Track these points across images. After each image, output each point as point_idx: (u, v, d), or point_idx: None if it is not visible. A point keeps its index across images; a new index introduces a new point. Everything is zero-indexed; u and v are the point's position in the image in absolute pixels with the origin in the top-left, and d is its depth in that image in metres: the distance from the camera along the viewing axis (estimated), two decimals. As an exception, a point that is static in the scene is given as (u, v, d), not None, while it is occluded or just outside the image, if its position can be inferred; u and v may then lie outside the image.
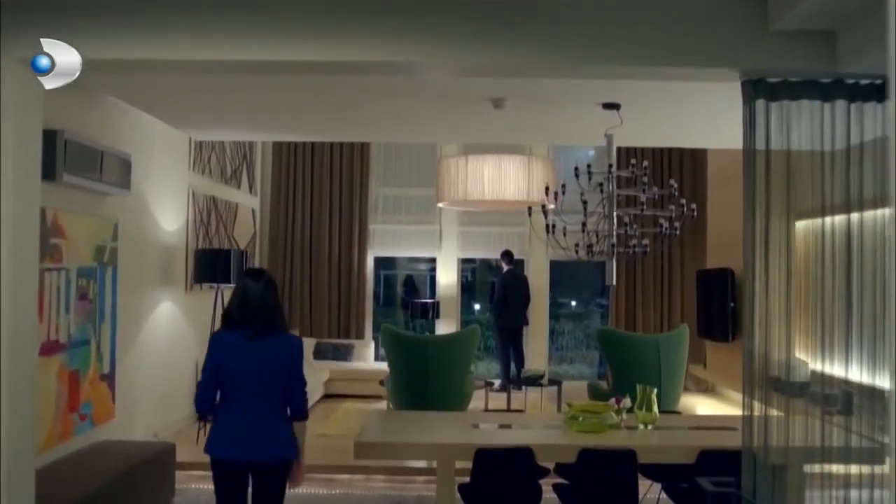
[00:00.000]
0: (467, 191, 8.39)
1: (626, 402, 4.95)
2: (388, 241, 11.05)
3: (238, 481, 3.63)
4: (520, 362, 10.25)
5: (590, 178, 4.69)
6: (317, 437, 7.55)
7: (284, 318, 3.76)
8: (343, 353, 10.28)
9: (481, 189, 8.34)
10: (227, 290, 7.30)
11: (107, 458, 5.34)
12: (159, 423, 7.14)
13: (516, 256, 10.51)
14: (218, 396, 3.65)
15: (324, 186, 10.79)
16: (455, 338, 7.85)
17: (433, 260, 11.20)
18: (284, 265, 10.77)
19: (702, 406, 9.08)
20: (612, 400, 4.96)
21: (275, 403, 3.59)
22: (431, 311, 10.44)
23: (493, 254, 10.85)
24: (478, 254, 11.29)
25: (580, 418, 4.74)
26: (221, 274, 7.27)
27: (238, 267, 7.36)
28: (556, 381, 7.85)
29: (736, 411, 8.88)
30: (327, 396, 9.64)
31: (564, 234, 4.79)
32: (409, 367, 7.18)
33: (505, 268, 10.34)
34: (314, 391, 9.07)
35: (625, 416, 4.91)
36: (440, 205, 9.01)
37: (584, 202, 4.55)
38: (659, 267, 10.70)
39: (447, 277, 11.00)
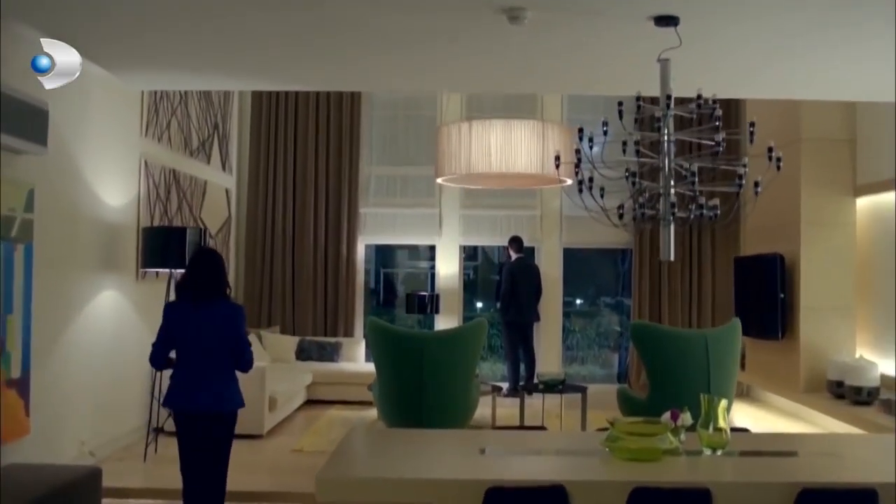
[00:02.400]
0: (471, 163, 7.21)
1: (686, 418, 3.70)
2: (381, 226, 9.82)
3: (194, 429, 4.05)
4: (530, 363, 9.08)
5: (638, 115, 3.42)
6: (291, 454, 6.34)
7: (228, 290, 4.16)
8: (329, 353, 9.02)
9: (487, 160, 7.16)
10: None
11: (5, 489, 4.09)
12: (99, 438, 5.89)
13: (526, 244, 9.31)
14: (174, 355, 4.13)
15: (308, 165, 9.56)
16: (457, 334, 6.55)
17: (433, 251, 9.96)
18: (264, 253, 9.53)
19: (740, 414, 7.83)
20: (667, 415, 3.70)
21: (221, 362, 4.02)
22: (430, 305, 9.19)
23: (500, 240, 9.66)
24: (482, 240, 10.04)
25: (622, 439, 3.50)
26: (174, 257, 5.99)
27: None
28: (578, 387, 6.54)
29: (784, 421, 7.68)
30: (310, 402, 8.40)
31: (602, 195, 3.55)
32: (401, 369, 5.93)
33: (513, 256, 9.15)
34: (295, 396, 7.86)
35: (683, 436, 3.66)
36: (440, 180, 7.77)
37: (637, 142, 3.27)
38: (686, 254, 9.45)
39: (448, 268, 9.76)
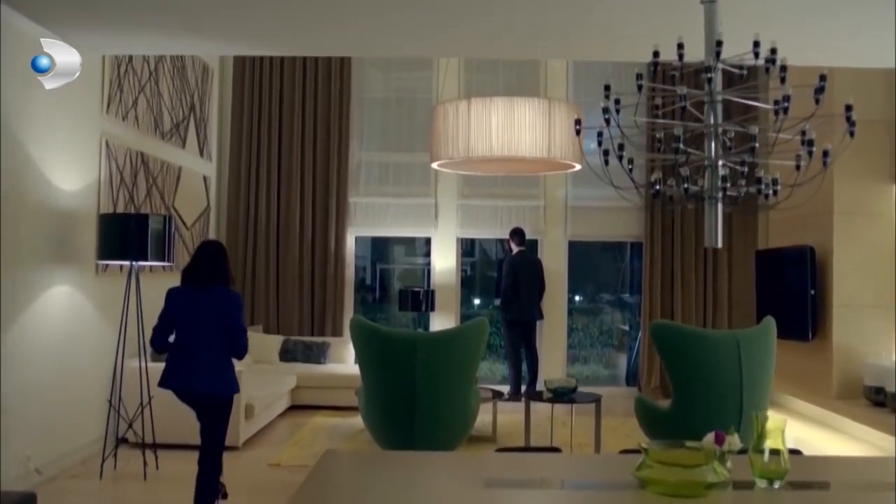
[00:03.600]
0: (470, 146, 6.53)
1: (735, 440, 3.01)
2: (372, 217, 9.14)
3: (194, 404, 4.27)
4: (533, 364, 8.44)
5: (681, 65, 2.73)
6: (267, 469, 5.66)
7: (229, 278, 4.31)
8: (316, 354, 8.35)
9: (488, 143, 6.49)
10: (144, 275, 5.89)
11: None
12: (49, 453, 5.22)
13: (528, 236, 8.66)
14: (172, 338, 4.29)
15: (294, 151, 8.89)
16: (455, 335, 5.86)
17: (430, 244, 9.29)
18: (245, 245, 8.85)
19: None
20: (710, 437, 3.00)
21: (216, 347, 4.18)
22: (425, 302, 8.52)
23: (500, 233, 9.01)
24: (481, 233, 9.37)
25: (657, 468, 2.82)
26: (134, 248, 5.31)
27: (161, 239, 5.43)
28: (591, 396, 5.78)
29: (815, 431, 6.88)
30: (294, 408, 7.72)
31: (631, 168, 2.88)
32: (389, 375, 5.25)
33: (515, 250, 8.49)
34: (276, 402, 7.19)
35: (729, 464, 2.97)
36: (435, 165, 7.09)
37: (682, 97, 2.58)
38: (701, 246, 8.78)
39: (444, 262, 9.09)
